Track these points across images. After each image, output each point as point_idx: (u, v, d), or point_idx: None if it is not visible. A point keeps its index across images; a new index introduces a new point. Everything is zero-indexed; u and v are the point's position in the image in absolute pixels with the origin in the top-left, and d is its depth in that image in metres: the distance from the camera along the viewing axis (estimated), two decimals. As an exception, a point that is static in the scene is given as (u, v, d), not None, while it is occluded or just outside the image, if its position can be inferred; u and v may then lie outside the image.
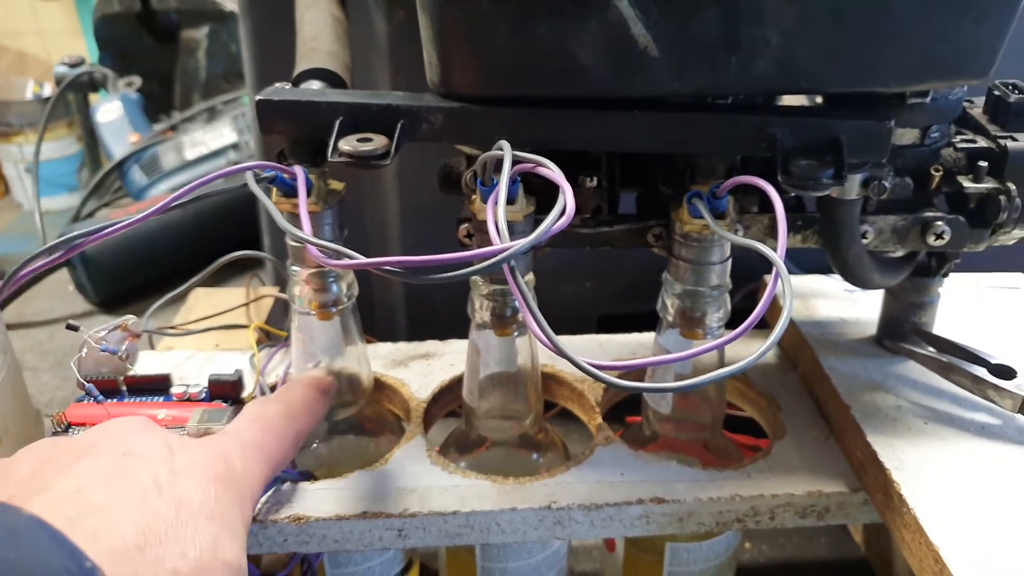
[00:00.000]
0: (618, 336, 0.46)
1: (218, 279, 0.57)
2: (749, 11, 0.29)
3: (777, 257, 0.27)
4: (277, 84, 0.36)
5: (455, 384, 0.43)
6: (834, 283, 0.47)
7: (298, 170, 0.32)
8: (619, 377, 0.42)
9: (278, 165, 0.33)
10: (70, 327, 0.40)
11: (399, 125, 0.32)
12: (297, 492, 0.35)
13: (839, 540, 0.49)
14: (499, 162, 0.30)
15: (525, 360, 0.37)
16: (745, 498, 0.35)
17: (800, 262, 0.51)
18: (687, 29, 0.29)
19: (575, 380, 0.43)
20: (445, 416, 0.44)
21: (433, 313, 0.50)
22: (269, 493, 0.35)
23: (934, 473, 0.33)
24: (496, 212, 0.26)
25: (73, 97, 0.96)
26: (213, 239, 0.68)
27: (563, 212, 0.25)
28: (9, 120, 1.01)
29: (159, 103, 0.97)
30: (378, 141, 0.32)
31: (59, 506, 0.23)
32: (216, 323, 0.50)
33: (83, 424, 0.38)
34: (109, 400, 0.40)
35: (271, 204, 0.30)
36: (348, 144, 0.31)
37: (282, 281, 0.57)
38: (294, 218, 0.35)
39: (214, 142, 0.86)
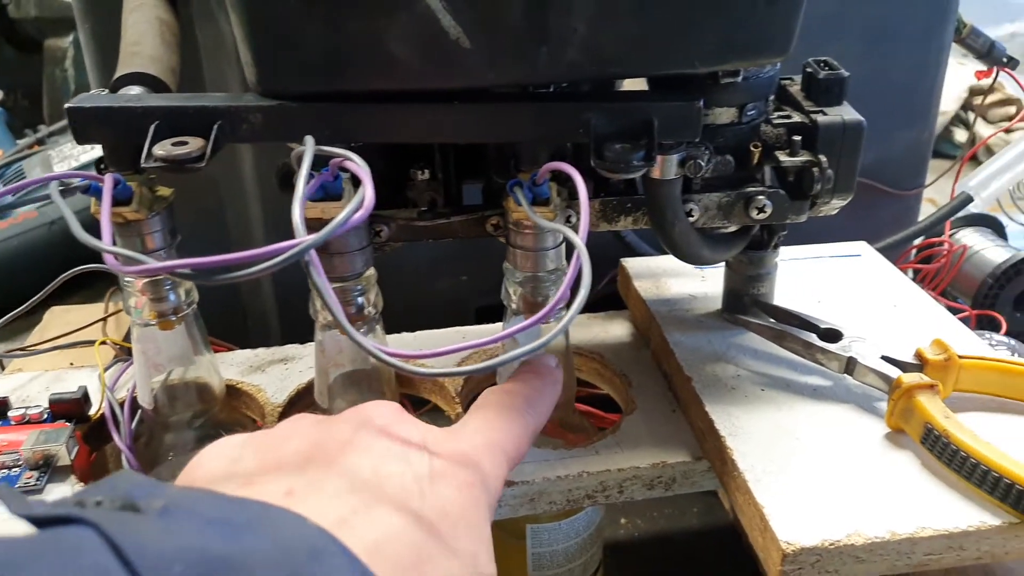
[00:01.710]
0: (482, 327, 0.47)
1: (86, 298, 0.56)
2: (553, 0, 0.30)
3: (579, 240, 0.27)
4: (93, 90, 0.35)
5: (310, 389, 0.43)
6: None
7: (107, 177, 0.31)
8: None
9: (88, 173, 0.32)
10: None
11: (216, 126, 0.32)
12: (142, 506, 0.35)
13: (710, 508, 0.51)
14: (301, 157, 0.30)
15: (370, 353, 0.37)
16: (593, 474, 0.36)
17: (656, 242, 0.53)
18: (495, 19, 0.30)
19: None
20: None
21: (306, 317, 0.49)
22: (111, 509, 0.34)
23: (765, 437, 0.35)
24: (294, 208, 0.26)
25: None
26: (79, 257, 0.66)
27: (360, 205, 0.25)
28: None
29: (27, 116, 0.93)
30: (193, 144, 0.31)
31: (339, 514, 0.22)
32: (73, 340, 0.48)
33: (-87, 454, 0.37)
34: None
35: (68, 212, 0.29)
36: (162, 148, 0.31)
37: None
38: (124, 226, 0.34)
39: (84, 155, 0.83)
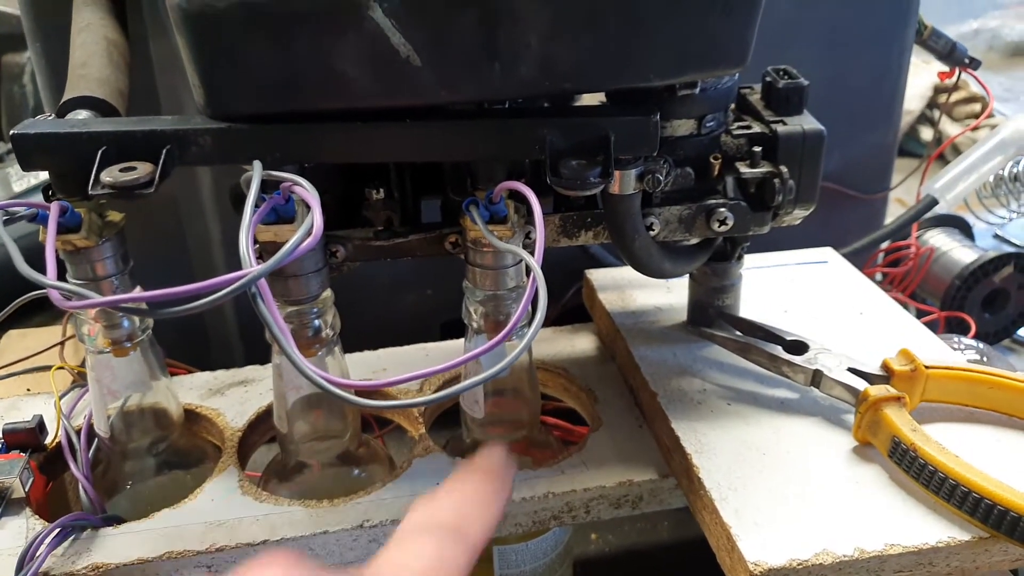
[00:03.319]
0: (445, 343, 0.46)
1: (46, 320, 0.54)
2: (503, 16, 0.29)
3: (533, 261, 0.27)
4: (39, 116, 0.34)
5: (270, 412, 0.42)
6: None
7: (53, 206, 0.30)
8: (443, 386, 0.43)
9: (34, 202, 0.31)
10: None
11: (165, 150, 0.31)
12: (97, 539, 0.34)
13: (682, 522, 0.50)
14: (248, 181, 0.29)
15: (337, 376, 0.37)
16: (558, 495, 0.35)
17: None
18: (445, 36, 0.29)
19: (397, 392, 0.42)
20: (271, 440, 0.43)
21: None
22: (66, 544, 0.33)
23: (731, 453, 0.35)
24: (241, 236, 0.25)
25: None
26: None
27: (309, 232, 0.25)
28: None
29: (-16, 134, 0.91)
30: (142, 169, 0.30)
31: None
32: (30, 365, 0.47)
33: None
34: None
35: (11, 244, 0.28)
36: (110, 175, 0.30)
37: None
38: (74, 253, 0.34)
39: (43, 173, 0.81)
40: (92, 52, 0.37)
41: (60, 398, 0.41)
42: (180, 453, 0.40)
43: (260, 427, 0.41)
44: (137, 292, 0.31)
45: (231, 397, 0.42)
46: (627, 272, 0.49)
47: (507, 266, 0.34)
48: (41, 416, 0.38)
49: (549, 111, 0.33)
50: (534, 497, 0.35)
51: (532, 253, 0.29)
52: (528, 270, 0.28)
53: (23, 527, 0.35)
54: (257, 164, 0.27)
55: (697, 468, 0.34)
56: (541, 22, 0.29)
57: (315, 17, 0.29)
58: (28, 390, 0.45)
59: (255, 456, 0.42)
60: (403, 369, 0.44)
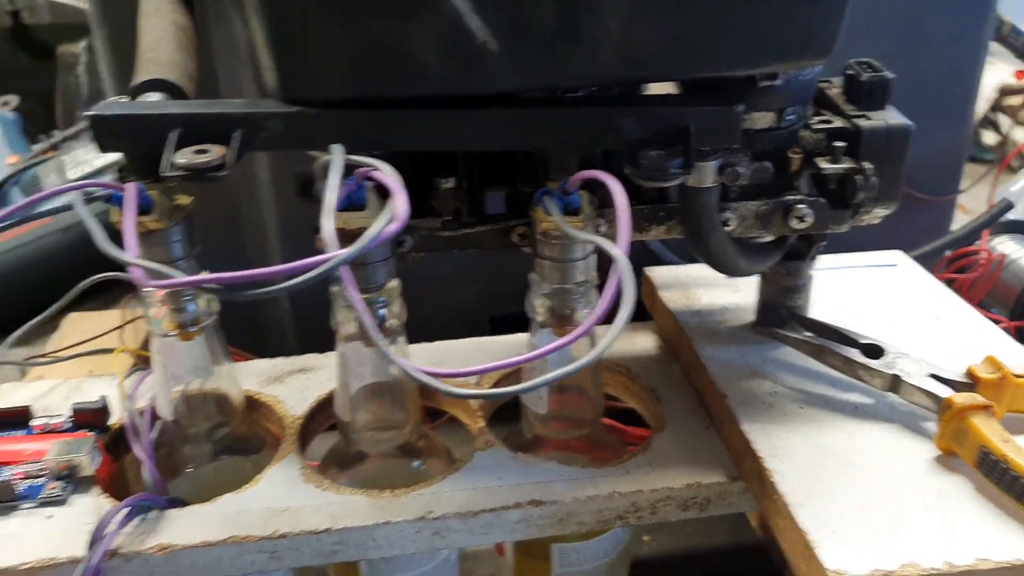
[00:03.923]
0: (502, 337, 0.45)
1: (102, 304, 0.55)
2: (583, 4, 0.28)
3: (620, 253, 0.26)
4: (112, 98, 0.34)
5: (330, 400, 0.42)
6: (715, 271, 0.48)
7: (130, 187, 0.30)
8: (502, 379, 0.42)
9: (109, 183, 0.31)
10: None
11: (237, 134, 0.31)
12: (163, 520, 0.34)
13: (738, 527, 0.49)
14: (326, 167, 0.29)
15: (397, 369, 0.36)
16: (624, 495, 0.35)
17: (682, 250, 0.51)
18: (524, 21, 0.29)
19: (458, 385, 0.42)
20: (329, 429, 0.42)
21: (323, 327, 0.48)
22: (134, 523, 0.33)
23: (806, 458, 0.33)
24: (324, 221, 0.25)
25: None
26: (93, 263, 0.65)
27: (393, 218, 0.24)
28: None
29: (39, 122, 0.93)
30: (215, 152, 0.30)
31: None
32: (91, 348, 0.47)
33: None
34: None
35: (93, 224, 0.28)
36: (183, 157, 0.30)
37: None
38: (144, 239, 0.34)
39: (98, 160, 0.83)
40: (161, 36, 0.37)
41: (123, 380, 0.41)
42: (240, 439, 0.40)
43: (319, 415, 0.41)
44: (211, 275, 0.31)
45: (291, 385, 0.42)
46: (690, 270, 0.48)
47: (576, 259, 0.34)
48: (106, 398, 0.39)
49: (625, 99, 0.32)
50: (599, 496, 0.34)
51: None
52: (609, 262, 0.27)
53: (92, 504, 0.35)
54: (339, 147, 0.27)
55: (770, 472, 0.33)
56: (623, 6, 0.29)
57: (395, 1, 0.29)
58: (91, 371, 0.46)
59: (313, 444, 0.42)
60: (461, 362, 0.44)
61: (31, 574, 0.32)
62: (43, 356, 0.45)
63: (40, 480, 0.35)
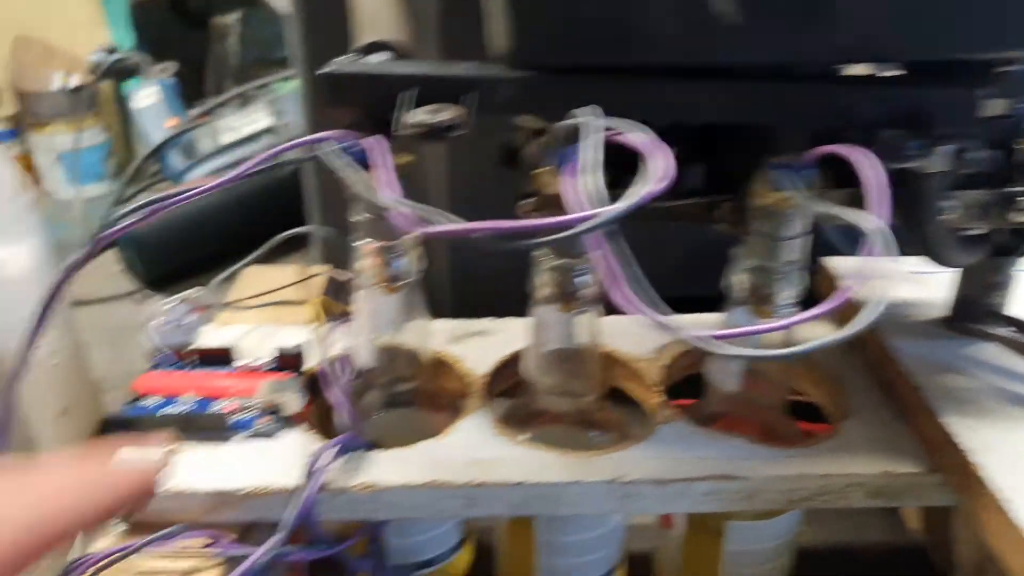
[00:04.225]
0: (678, 316, 0.45)
1: (263, 258, 0.58)
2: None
3: (877, 225, 0.26)
4: (341, 57, 0.36)
5: (512, 362, 0.43)
6: (899, 264, 0.47)
7: (379, 139, 0.32)
8: (681, 355, 0.42)
9: (351, 135, 0.33)
10: (139, 298, 0.40)
11: (470, 96, 0.32)
12: (366, 461, 0.35)
13: (892, 524, 0.48)
14: (578, 130, 0.30)
15: (589, 337, 0.37)
16: (815, 477, 0.35)
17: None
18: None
19: (631, 360, 0.42)
20: (498, 395, 0.43)
21: (479, 291, 0.50)
22: (340, 461, 0.35)
23: (1015, 454, 0.33)
24: (584, 179, 0.25)
25: (105, 86, 0.97)
26: (254, 220, 0.69)
27: (663, 177, 0.25)
28: (38, 111, 1.03)
29: (190, 89, 0.98)
30: (450, 112, 0.31)
31: None
32: (271, 299, 0.50)
33: (153, 393, 0.39)
34: (177, 371, 0.40)
35: (352, 172, 0.30)
36: (419, 115, 0.31)
37: (332, 259, 0.57)
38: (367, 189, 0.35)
39: (248, 127, 0.87)
40: (385, -1, 0.39)
41: (320, 328, 0.43)
42: (423, 393, 0.41)
43: (500, 376, 0.42)
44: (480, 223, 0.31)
45: (470, 345, 0.44)
46: (869, 262, 0.47)
47: (789, 238, 0.34)
48: (303, 343, 0.41)
49: (863, 78, 0.32)
50: (790, 476, 0.35)
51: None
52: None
53: (298, 440, 0.37)
54: (595, 108, 0.28)
55: (977, 466, 0.32)
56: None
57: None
58: (275, 320, 0.48)
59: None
60: (639, 339, 0.44)
61: (247, 499, 0.34)
62: (239, 302, 0.48)
63: (250, 415, 0.38)
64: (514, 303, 0.47)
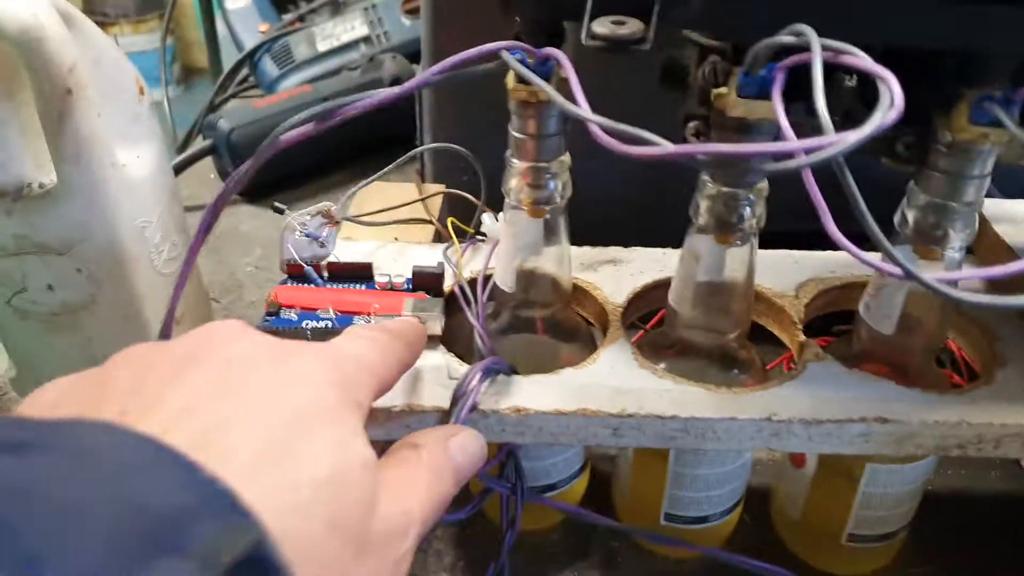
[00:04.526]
0: (811, 253, 0.44)
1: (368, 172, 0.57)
2: None
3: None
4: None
5: (647, 291, 0.42)
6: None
7: (556, 52, 0.30)
8: (821, 293, 0.41)
9: (525, 46, 0.31)
10: (276, 209, 0.40)
11: (655, 8, 0.30)
12: (513, 385, 0.35)
13: (1011, 474, 0.48)
14: (777, 52, 0.28)
15: (742, 272, 0.36)
16: (972, 424, 0.34)
17: (1002, 187, 0.48)
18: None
19: (774, 296, 0.41)
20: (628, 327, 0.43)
21: (587, 222, 0.49)
22: (486, 383, 0.35)
23: None
24: (816, 102, 0.24)
25: None
26: (352, 132, 0.67)
27: (892, 105, 0.23)
28: (105, 10, 1.02)
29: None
30: (633, 24, 0.30)
31: (177, 424, 0.20)
32: (393, 216, 0.49)
33: (292, 306, 0.39)
34: (312, 285, 0.40)
35: (548, 87, 0.29)
36: (603, 27, 0.30)
37: (442, 178, 0.56)
38: (523, 108, 0.34)
39: (345, 35, 0.85)
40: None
41: (458, 248, 0.42)
42: (560, 320, 0.41)
43: (633, 307, 0.42)
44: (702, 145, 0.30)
45: (603, 274, 0.43)
46: (1018, 205, 0.45)
47: (972, 177, 0.32)
48: (443, 263, 0.40)
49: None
50: (947, 423, 0.34)
51: None
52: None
53: (442, 360, 0.37)
54: (807, 28, 0.26)
55: None
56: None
57: None
58: (396, 238, 0.48)
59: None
60: (771, 275, 0.43)
61: (398, 416, 0.34)
62: (363, 216, 0.47)
63: (391, 332, 0.37)
64: (629, 234, 0.46)
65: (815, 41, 0.25)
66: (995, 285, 0.41)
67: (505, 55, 0.30)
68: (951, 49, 0.30)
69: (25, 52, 0.37)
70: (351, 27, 0.84)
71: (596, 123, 0.25)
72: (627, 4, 0.30)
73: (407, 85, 0.31)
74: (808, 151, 0.23)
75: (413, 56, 0.78)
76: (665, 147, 0.24)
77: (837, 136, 0.23)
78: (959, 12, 0.28)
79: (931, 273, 0.25)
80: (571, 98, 0.29)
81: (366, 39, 0.84)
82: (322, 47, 0.83)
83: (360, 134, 0.72)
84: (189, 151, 0.71)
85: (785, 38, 0.27)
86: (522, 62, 0.31)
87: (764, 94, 0.30)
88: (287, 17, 0.88)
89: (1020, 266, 0.25)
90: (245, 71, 0.89)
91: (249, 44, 0.86)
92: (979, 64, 0.30)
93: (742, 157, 0.27)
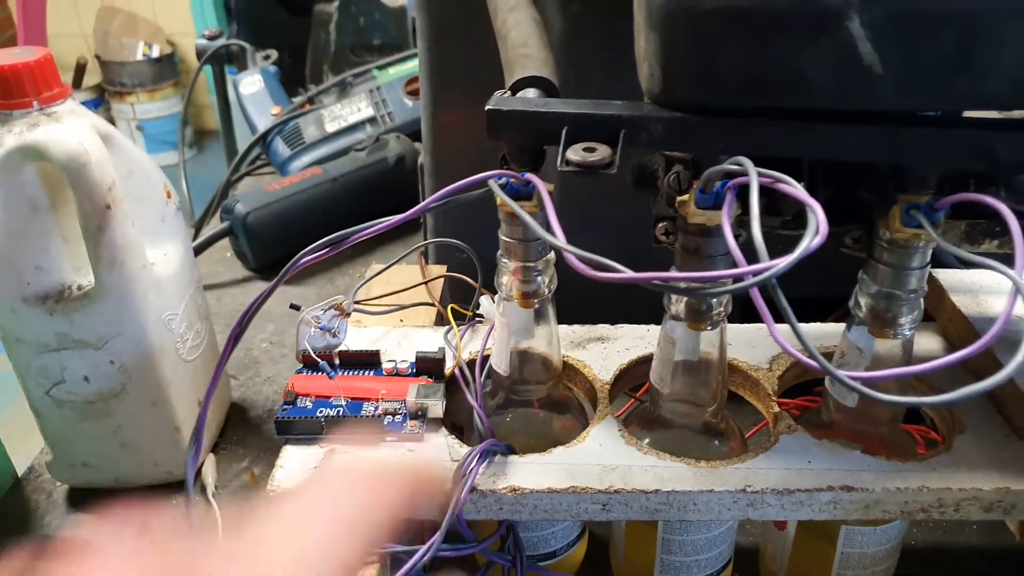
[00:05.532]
0: (804, 325, 0.48)
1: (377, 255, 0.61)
2: (984, 37, 0.30)
3: (1017, 277, 0.28)
4: (497, 93, 0.38)
5: (633, 367, 0.46)
6: (1003, 278, 0.48)
7: (535, 178, 0.34)
8: (792, 365, 0.44)
9: (509, 172, 0.35)
10: (293, 307, 0.44)
11: (621, 134, 0.34)
12: (509, 465, 0.39)
13: (991, 527, 0.50)
14: (726, 174, 0.32)
15: (715, 352, 0.40)
16: (932, 490, 0.37)
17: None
18: (916, 51, 0.31)
19: (749, 369, 0.45)
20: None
21: (576, 301, 0.52)
22: (485, 465, 0.38)
23: None
24: (752, 231, 0.28)
25: (187, 57, 1.01)
26: (356, 211, 0.72)
27: (817, 232, 0.27)
28: (122, 80, 1.08)
29: (288, 76, 1.01)
30: (602, 151, 0.34)
31: None
32: (398, 301, 0.53)
33: (307, 394, 0.42)
34: (321, 374, 0.44)
35: (525, 214, 0.33)
36: (575, 154, 0.34)
37: (443, 258, 0.60)
38: (511, 218, 0.38)
39: (352, 116, 0.90)
40: (528, 33, 0.41)
41: (457, 333, 0.46)
42: (551, 398, 0.44)
43: (620, 382, 0.45)
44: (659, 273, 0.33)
45: (592, 351, 0.47)
46: (976, 276, 0.48)
47: (912, 269, 0.36)
48: (444, 348, 0.44)
49: (1004, 124, 0.34)
50: (909, 489, 0.37)
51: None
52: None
53: (442, 443, 0.40)
54: (748, 161, 0.30)
55: (1095, 488, 0.34)
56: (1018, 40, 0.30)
57: (794, 23, 0.31)
58: (401, 321, 0.52)
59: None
60: (746, 349, 0.46)
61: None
62: (373, 301, 0.51)
63: (399, 418, 0.41)
64: (609, 311, 0.49)
65: (752, 172, 0.29)
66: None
67: (492, 184, 0.34)
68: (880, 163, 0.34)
69: (71, 175, 0.42)
70: (357, 108, 0.89)
71: (570, 252, 0.29)
72: (597, 132, 0.34)
73: (409, 213, 0.35)
74: (755, 274, 0.26)
75: (416, 135, 0.83)
76: (626, 273, 0.28)
77: (771, 262, 0.26)
78: (882, 133, 0.32)
79: (854, 370, 0.28)
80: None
81: (371, 120, 0.89)
82: (330, 128, 0.88)
83: (367, 209, 0.76)
84: (208, 233, 0.75)
85: (729, 167, 0.31)
86: (508, 185, 0.36)
87: (719, 206, 0.34)
88: (297, 100, 0.93)
89: (941, 362, 0.28)
90: (257, 150, 0.94)
91: (262, 126, 0.91)
92: (907, 175, 0.34)
93: (693, 281, 0.30)
